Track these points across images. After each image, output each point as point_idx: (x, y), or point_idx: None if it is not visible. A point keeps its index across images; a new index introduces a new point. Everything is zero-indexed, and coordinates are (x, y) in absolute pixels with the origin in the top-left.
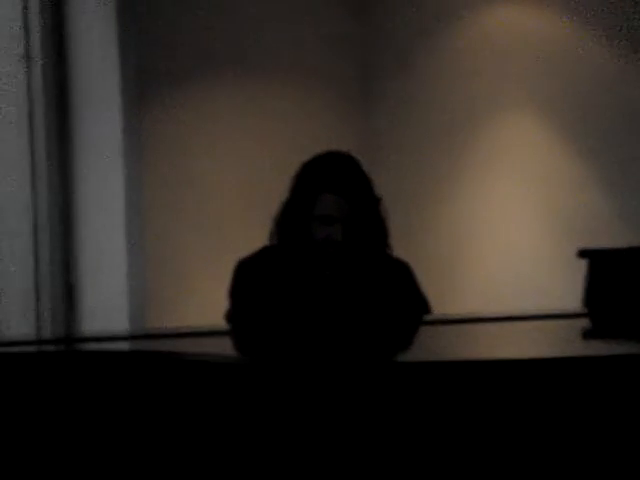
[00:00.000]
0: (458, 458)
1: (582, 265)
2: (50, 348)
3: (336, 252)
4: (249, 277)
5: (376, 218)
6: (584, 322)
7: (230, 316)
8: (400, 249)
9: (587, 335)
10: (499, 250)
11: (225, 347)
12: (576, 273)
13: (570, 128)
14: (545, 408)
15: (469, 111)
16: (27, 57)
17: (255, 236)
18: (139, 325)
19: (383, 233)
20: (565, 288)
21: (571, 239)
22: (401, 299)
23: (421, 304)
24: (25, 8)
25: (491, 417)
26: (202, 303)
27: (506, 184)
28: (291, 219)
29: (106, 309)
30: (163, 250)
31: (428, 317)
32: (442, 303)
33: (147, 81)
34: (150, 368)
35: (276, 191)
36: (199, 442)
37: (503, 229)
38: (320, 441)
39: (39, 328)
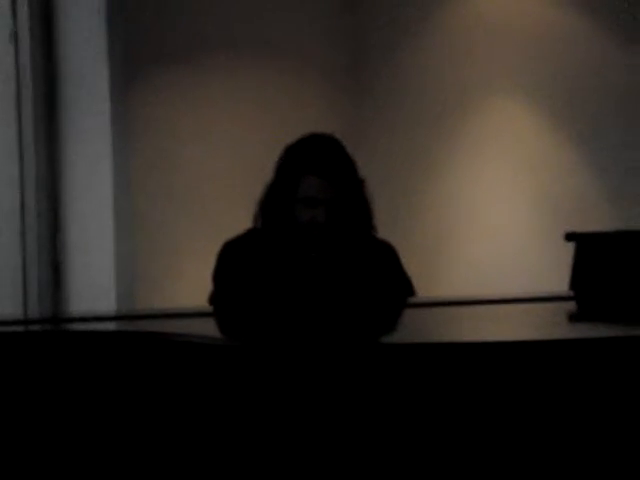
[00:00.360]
0: (446, 441)
1: (570, 248)
2: (37, 328)
3: (320, 234)
4: (233, 259)
5: (360, 200)
6: (571, 305)
7: (213, 298)
8: (387, 233)
9: (573, 318)
10: (487, 234)
11: (211, 328)
12: (564, 257)
13: (559, 113)
14: (531, 391)
15: (458, 95)
16: (15, 37)
17: (243, 220)
18: (127, 305)
19: (367, 215)
20: (553, 271)
21: (559, 223)
22: (385, 280)
23: (405, 285)
24: None
25: (477, 400)
26: (190, 284)
27: (495, 168)
28: (275, 201)
29: (93, 289)
30: (151, 231)
31: (414, 299)
32: (429, 286)
33: (135, 64)
34: (137, 348)
35: (264, 176)
36: (187, 423)
37: (491, 213)
38: (308, 424)
39: (26, 308)
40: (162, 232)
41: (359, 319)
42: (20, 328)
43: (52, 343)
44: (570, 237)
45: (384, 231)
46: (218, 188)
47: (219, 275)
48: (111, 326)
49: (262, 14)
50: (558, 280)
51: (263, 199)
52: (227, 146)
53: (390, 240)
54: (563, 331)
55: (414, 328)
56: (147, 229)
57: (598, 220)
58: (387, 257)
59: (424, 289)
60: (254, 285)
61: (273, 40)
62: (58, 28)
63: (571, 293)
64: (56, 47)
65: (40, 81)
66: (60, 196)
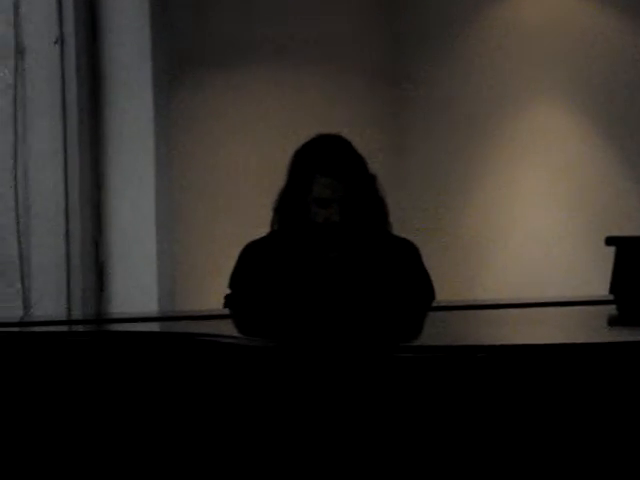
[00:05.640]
0: (479, 443)
1: (610, 253)
2: (80, 328)
3: (336, 233)
4: (253, 261)
5: (373, 196)
6: (611, 309)
7: (229, 299)
8: (427, 237)
9: (613, 322)
10: (527, 239)
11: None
12: (604, 261)
13: (598, 117)
14: (569, 394)
15: (497, 101)
16: (61, 41)
17: None
18: (168, 306)
19: (382, 211)
20: (593, 276)
21: (599, 227)
22: (405, 278)
23: (425, 284)
24: None
25: (511, 403)
26: None
27: (534, 174)
28: (290, 205)
29: (136, 290)
30: (192, 231)
31: (453, 302)
32: (468, 290)
33: (178, 67)
34: (177, 349)
35: None
36: (222, 424)
37: (531, 218)
38: (338, 427)
39: (70, 308)
40: (204, 234)
41: (387, 323)
42: (64, 328)
43: (95, 343)
44: (610, 241)
45: (423, 235)
46: (260, 190)
47: (238, 276)
48: (153, 327)
49: (304, 19)
50: (598, 284)
51: (278, 202)
52: (269, 148)
53: (430, 244)
54: (602, 335)
55: (453, 331)
56: (188, 229)
57: (639, 224)
58: (408, 255)
59: (463, 293)
60: (273, 287)
61: (315, 45)
62: (103, 32)
63: (611, 297)
64: (101, 51)
65: (85, 84)
66: (103, 199)
